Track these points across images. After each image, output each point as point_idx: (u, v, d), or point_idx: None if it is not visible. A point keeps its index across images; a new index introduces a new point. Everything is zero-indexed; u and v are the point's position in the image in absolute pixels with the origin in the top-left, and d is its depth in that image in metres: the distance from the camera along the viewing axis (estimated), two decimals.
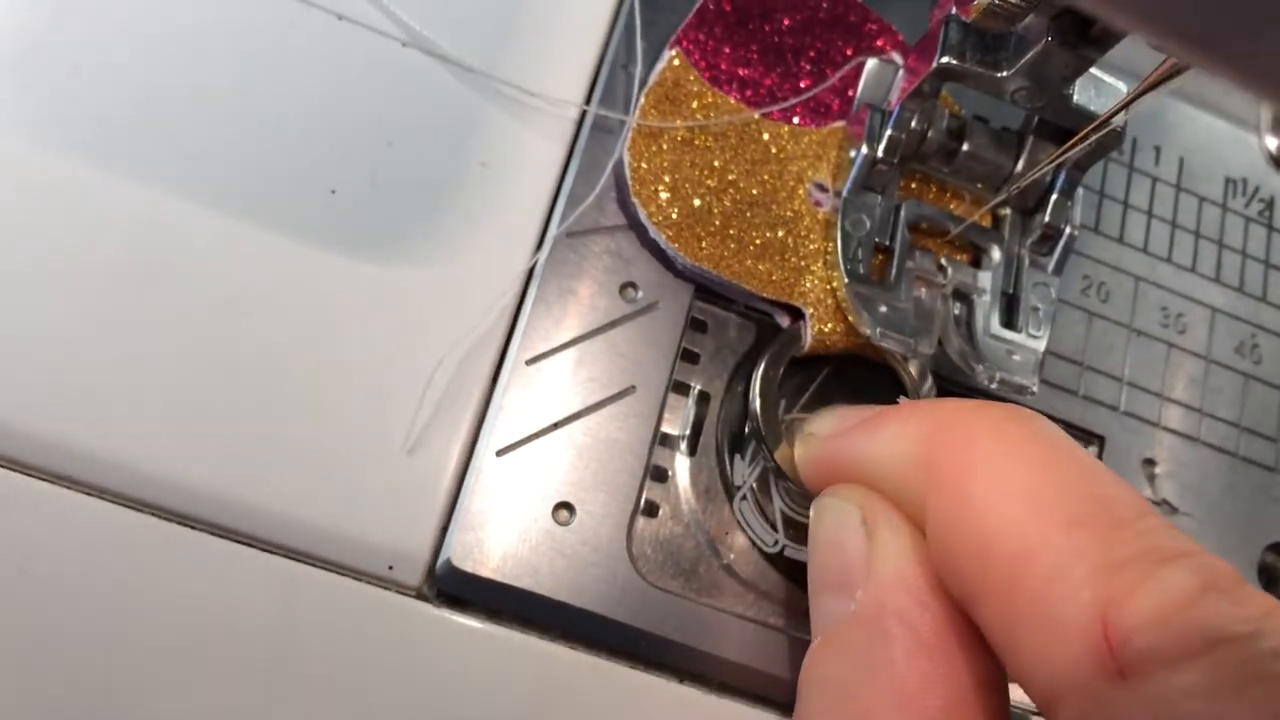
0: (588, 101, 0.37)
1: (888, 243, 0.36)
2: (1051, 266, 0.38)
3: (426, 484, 0.32)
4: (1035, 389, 0.36)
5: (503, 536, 0.32)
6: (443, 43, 0.36)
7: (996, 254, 0.38)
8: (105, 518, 0.30)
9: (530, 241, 0.35)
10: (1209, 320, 0.43)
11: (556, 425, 0.34)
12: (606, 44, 0.38)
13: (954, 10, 0.33)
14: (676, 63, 0.37)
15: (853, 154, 0.36)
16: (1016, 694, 0.27)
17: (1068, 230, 0.37)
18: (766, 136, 0.37)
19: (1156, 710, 0.21)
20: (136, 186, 0.32)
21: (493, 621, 0.32)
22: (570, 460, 0.33)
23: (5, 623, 0.29)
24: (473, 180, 0.35)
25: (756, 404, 0.35)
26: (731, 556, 0.35)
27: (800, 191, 0.37)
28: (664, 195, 0.36)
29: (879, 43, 0.39)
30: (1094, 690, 0.22)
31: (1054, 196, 0.37)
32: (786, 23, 0.39)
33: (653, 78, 0.37)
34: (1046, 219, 0.37)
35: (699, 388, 0.36)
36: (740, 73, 0.38)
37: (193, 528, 0.30)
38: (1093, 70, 0.33)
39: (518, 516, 0.32)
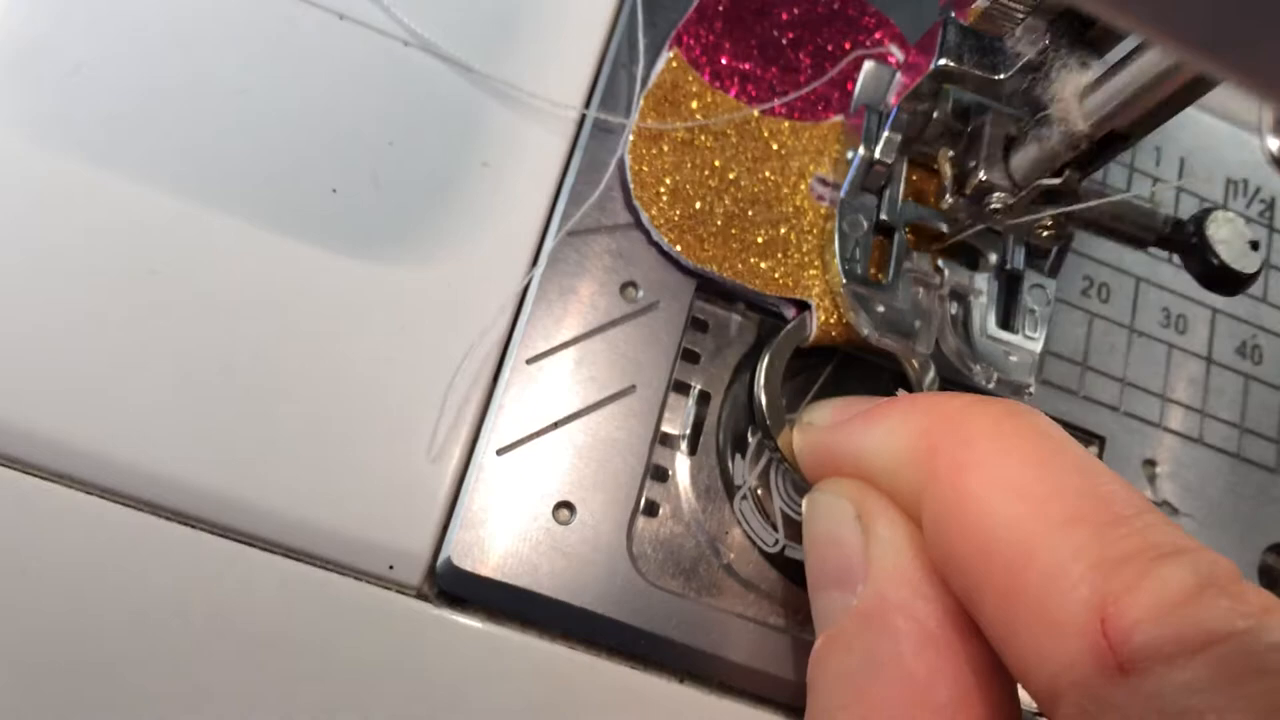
0: (589, 101, 0.37)
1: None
2: (1047, 268, 0.38)
3: (427, 483, 0.32)
4: (1033, 389, 0.36)
5: (503, 535, 0.32)
6: (444, 43, 0.36)
7: (993, 256, 0.38)
8: (105, 517, 0.30)
9: (531, 241, 0.35)
10: (1210, 321, 0.43)
11: (557, 424, 0.34)
12: (608, 44, 0.38)
13: (953, 13, 0.33)
14: (675, 64, 0.37)
15: (850, 155, 0.36)
16: (1020, 695, 0.27)
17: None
18: (767, 134, 0.38)
19: (1156, 706, 0.21)
20: (138, 185, 0.32)
21: (493, 621, 0.32)
22: (571, 459, 0.33)
23: (5, 623, 0.29)
24: (474, 180, 0.36)
25: (761, 390, 0.35)
26: (732, 556, 0.35)
27: (802, 187, 0.37)
28: (665, 198, 0.36)
29: (877, 35, 0.39)
30: (1093, 686, 0.22)
31: None
32: (785, 17, 0.39)
33: (651, 79, 0.37)
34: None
35: (699, 387, 0.36)
36: (741, 67, 0.38)
37: (193, 527, 0.31)
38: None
39: (518, 515, 0.32)
